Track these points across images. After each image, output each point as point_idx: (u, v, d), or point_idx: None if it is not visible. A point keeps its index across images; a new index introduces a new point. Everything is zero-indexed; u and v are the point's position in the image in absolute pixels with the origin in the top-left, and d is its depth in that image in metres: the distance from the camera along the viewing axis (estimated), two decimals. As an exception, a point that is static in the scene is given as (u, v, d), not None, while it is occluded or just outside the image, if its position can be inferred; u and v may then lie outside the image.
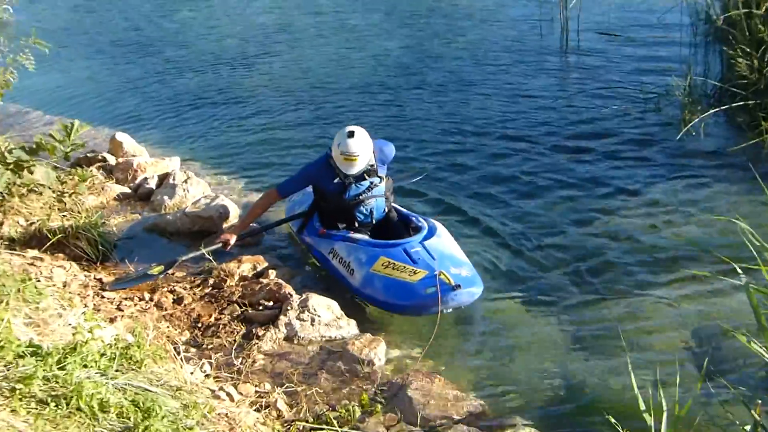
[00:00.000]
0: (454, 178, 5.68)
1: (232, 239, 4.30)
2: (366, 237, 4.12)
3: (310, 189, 4.43)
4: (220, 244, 4.30)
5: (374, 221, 4.24)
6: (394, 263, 3.77)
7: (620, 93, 7.27)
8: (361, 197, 4.14)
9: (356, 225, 4.20)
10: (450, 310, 3.66)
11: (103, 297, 3.91)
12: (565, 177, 5.50)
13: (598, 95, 7.34)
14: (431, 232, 4.03)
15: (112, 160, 6.13)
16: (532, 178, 5.55)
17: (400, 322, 3.84)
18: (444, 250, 3.87)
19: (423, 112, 7.41)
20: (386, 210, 4.28)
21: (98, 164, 6.00)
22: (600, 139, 6.19)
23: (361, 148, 3.98)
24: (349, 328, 3.64)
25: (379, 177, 4.19)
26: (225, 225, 4.87)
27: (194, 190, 5.34)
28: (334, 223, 4.23)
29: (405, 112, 7.48)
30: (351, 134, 3.97)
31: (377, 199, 4.20)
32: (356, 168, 4.03)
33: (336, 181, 4.11)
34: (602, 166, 5.65)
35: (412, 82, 8.54)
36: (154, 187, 5.54)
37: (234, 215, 4.97)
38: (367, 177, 4.13)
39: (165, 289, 4.05)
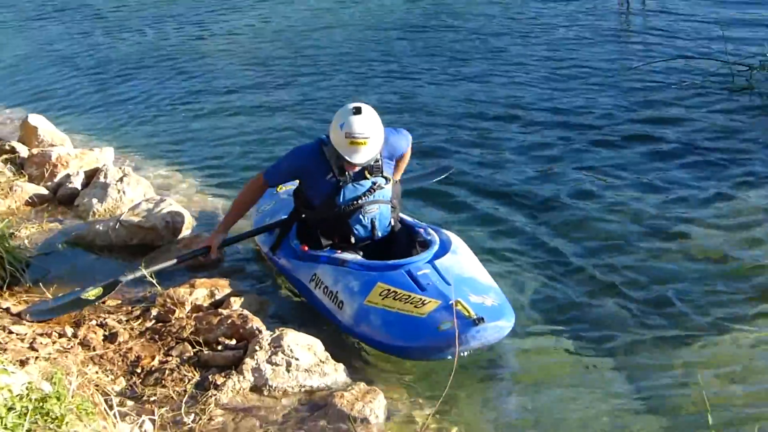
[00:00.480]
0: (478, 175, 5.74)
1: (218, 239, 4.37)
2: (357, 257, 4.12)
3: (285, 196, 4.44)
4: (177, 262, 4.37)
5: (376, 237, 4.23)
6: (396, 291, 3.79)
7: (698, 64, 7.34)
8: (359, 202, 4.13)
9: (352, 241, 4.19)
10: (470, 351, 3.70)
11: (10, 332, 3.94)
12: (624, 173, 5.58)
13: (668, 67, 7.39)
14: (444, 248, 4.06)
15: (23, 150, 6.19)
16: (581, 176, 5.62)
17: (405, 367, 3.87)
18: (462, 272, 3.91)
19: (437, 89, 7.45)
20: (392, 223, 4.28)
21: (5, 156, 6.06)
22: (671, 126, 6.25)
23: (371, 129, 3.98)
24: (336, 375, 3.68)
25: (385, 177, 4.17)
26: (181, 236, 4.93)
27: (132, 191, 5.41)
28: (320, 239, 4.22)
29: (413, 88, 7.52)
30: (357, 111, 3.97)
31: (381, 206, 4.19)
32: (364, 155, 4.01)
33: (329, 177, 4.11)
34: (674, 162, 5.71)
35: (422, 46, 8.58)
36: (80, 187, 5.61)
37: (187, 225, 5.05)
38: (368, 175, 4.12)
39: (93, 322, 4.08)
